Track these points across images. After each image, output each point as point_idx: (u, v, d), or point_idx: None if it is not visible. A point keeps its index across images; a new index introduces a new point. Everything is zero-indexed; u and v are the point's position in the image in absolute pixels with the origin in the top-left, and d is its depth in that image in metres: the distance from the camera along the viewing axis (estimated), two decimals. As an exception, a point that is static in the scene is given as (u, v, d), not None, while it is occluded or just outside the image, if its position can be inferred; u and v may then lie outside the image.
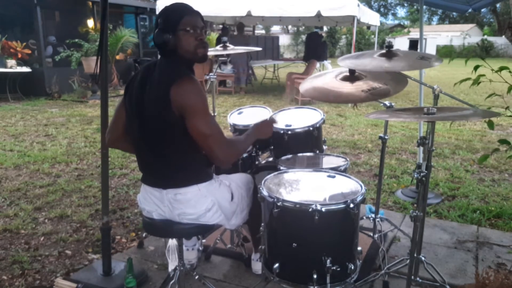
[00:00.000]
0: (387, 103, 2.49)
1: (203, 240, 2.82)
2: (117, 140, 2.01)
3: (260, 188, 1.97)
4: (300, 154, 2.68)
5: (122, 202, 3.70)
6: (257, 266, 2.47)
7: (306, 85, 2.40)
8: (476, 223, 3.28)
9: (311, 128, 2.72)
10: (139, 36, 12.32)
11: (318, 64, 10.08)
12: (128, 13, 13.25)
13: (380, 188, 2.81)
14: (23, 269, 2.63)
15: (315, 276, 1.81)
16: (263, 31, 26.36)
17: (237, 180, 2.14)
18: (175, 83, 1.70)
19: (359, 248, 1.95)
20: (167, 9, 1.83)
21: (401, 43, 24.27)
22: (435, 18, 42.58)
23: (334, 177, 2.13)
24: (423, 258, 2.30)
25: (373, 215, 2.82)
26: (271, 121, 2.25)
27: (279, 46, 16.80)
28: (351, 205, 1.83)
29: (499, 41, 29.10)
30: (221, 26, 14.60)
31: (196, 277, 2.26)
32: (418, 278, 2.31)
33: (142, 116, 1.82)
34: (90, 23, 11.55)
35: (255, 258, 2.49)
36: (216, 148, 1.79)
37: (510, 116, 2.18)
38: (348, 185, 2.03)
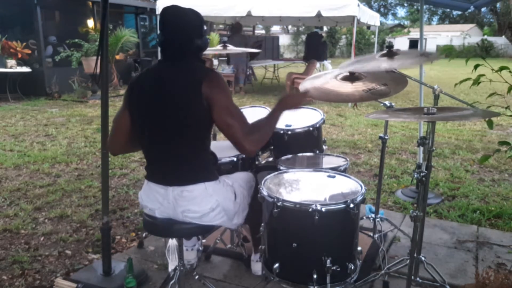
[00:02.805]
0: (387, 103, 2.49)
1: (203, 240, 2.81)
2: (123, 148, 2.06)
3: (260, 188, 1.98)
4: (300, 154, 2.68)
5: (122, 202, 3.70)
6: (257, 267, 2.46)
7: (306, 85, 2.40)
8: (476, 223, 3.28)
9: (311, 128, 2.72)
10: (139, 36, 12.31)
11: (318, 64, 10.07)
12: (128, 13, 13.24)
13: (380, 188, 2.81)
14: (23, 269, 2.63)
15: (315, 276, 1.81)
16: (263, 31, 26.34)
17: (239, 180, 2.15)
18: (207, 77, 1.81)
19: (359, 248, 1.95)
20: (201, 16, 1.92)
21: (401, 43, 24.29)
22: (435, 18, 42.56)
23: (334, 177, 2.13)
24: (423, 258, 2.30)
25: (373, 215, 2.82)
26: (302, 94, 2.20)
27: (279, 46, 16.80)
28: (351, 205, 1.83)
29: (499, 41, 29.11)
30: (221, 26, 14.60)
31: (196, 277, 2.26)
32: (418, 278, 2.31)
33: (158, 114, 1.84)
34: (90, 23, 11.54)
35: (255, 259, 2.49)
36: (241, 137, 1.83)
37: (510, 116, 2.18)
38: (348, 185, 2.04)
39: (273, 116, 1.96)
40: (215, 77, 1.84)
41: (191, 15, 1.88)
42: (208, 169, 1.95)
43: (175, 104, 1.83)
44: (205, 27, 1.90)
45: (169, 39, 1.87)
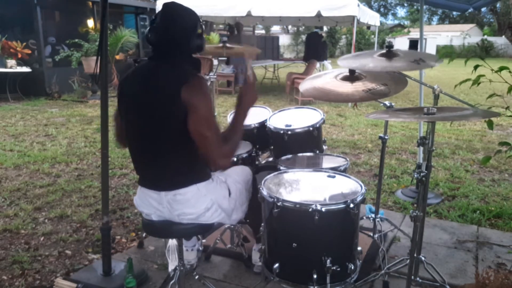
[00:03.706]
0: (387, 103, 2.49)
1: (203, 240, 2.81)
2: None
3: (260, 188, 1.97)
4: (300, 154, 2.68)
5: (122, 202, 3.70)
6: (256, 256, 2.45)
7: (306, 85, 2.40)
8: (476, 223, 3.28)
9: (311, 128, 2.72)
10: (139, 36, 12.30)
11: (318, 64, 10.07)
12: (128, 13, 13.24)
13: (380, 188, 2.81)
14: (23, 269, 2.63)
15: (315, 276, 1.81)
16: (263, 31, 26.33)
17: (233, 175, 2.13)
18: (187, 82, 1.74)
19: (359, 248, 1.95)
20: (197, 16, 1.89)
21: (401, 43, 24.25)
22: (435, 18, 42.58)
23: (334, 177, 2.14)
24: (423, 258, 2.30)
25: (373, 215, 2.82)
26: (251, 86, 2.00)
27: (279, 46, 16.77)
28: (351, 205, 1.83)
29: (499, 41, 29.10)
30: (221, 26, 14.59)
31: (196, 277, 2.26)
32: (418, 278, 2.31)
33: (145, 116, 1.82)
34: (90, 23, 11.54)
35: (256, 248, 2.46)
36: (215, 152, 1.79)
37: (510, 116, 2.18)
38: (348, 185, 2.04)
39: (238, 122, 1.92)
40: (197, 82, 1.76)
41: (188, 13, 1.84)
42: (199, 170, 1.91)
43: (157, 108, 1.78)
44: (202, 27, 1.87)
45: (164, 36, 1.81)
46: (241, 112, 1.93)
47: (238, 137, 1.91)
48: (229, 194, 2.02)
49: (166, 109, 1.76)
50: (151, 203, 1.93)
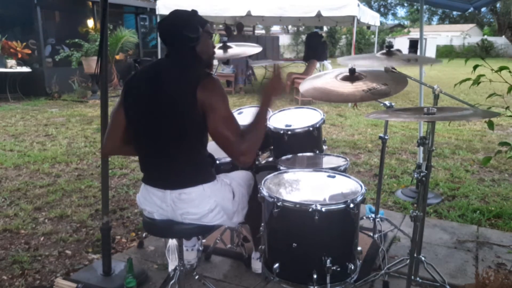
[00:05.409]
0: (387, 103, 2.49)
1: (203, 240, 2.81)
2: (117, 147, 1.98)
3: (260, 188, 1.98)
4: (300, 154, 2.68)
5: (122, 202, 3.70)
6: (257, 265, 2.47)
7: (306, 85, 2.40)
8: (476, 223, 3.28)
9: (311, 128, 2.72)
10: (139, 36, 12.32)
11: (318, 64, 10.07)
12: (128, 13, 13.25)
13: (380, 188, 2.81)
14: (23, 269, 2.63)
15: (315, 276, 1.81)
16: (263, 31, 26.33)
17: (237, 178, 2.14)
18: (201, 83, 1.75)
19: (359, 248, 1.95)
20: (196, 12, 1.89)
21: (401, 43, 24.24)
22: (435, 18, 42.54)
23: (334, 177, 2.14)
24: (423, 258, 2.30)
25: (373, 215, 2.82)
26: (277, 74, 1.91)
27: (279, 46, 16.78)
28: (351, 205, 1.83)
29: (499, 41, 29.10)
30: (221, 26, 14.61)
31: (196, 277, 2.26)
32: (418, 278, 2.32)
33: (153, 116, 1.82)
34: (90, 23, 11.54)
35: (255, 257, 2.49)
36: (235, 151, 1.77)
37: (510, 116, 2.18)
38: (348, 185, 2.04)
39: (261, 116, 1.87)
40: (211, 82, 1.78)
41: (180, 11, 1.87)
42: (206, 171, 1.93)
43: (169, 108, 1.79)
44: (195, 19, 1.85)
45: (160, 34, 1.87)
46: (262, 104, 1.89)
47: (259, 132, 1.84)
48: (233, 196, 2.02)
49: (178, 110, 1.77)
50: (154, 201, 1.93)
